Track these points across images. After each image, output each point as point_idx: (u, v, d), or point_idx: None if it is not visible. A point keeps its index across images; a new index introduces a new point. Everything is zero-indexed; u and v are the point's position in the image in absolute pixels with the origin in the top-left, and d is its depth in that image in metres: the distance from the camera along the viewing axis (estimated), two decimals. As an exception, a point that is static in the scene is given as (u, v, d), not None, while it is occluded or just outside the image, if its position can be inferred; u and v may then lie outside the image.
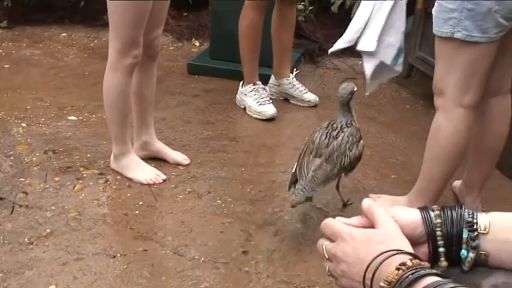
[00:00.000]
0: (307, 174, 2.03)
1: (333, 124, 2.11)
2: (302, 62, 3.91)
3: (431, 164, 2.09)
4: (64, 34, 4.24)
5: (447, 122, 1.99)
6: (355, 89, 2.17)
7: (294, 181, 2.08)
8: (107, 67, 2.27)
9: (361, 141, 2.16)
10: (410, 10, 3.39)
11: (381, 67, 2.30)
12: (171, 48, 4.14)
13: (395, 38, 2.27)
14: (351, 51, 3.97)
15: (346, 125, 2.09)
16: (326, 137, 2.06)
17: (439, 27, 1.89)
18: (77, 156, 2.57)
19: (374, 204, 0.81)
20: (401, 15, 2.27)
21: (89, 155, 2.58)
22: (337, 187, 2.23)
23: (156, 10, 2.25)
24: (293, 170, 2.12)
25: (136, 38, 2.21)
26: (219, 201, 2.31)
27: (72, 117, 2.94)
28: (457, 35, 1.84)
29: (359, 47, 2.29)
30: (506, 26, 1.84)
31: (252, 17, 3.05)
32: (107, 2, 2.17)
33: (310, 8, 4.09)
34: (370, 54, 2.27)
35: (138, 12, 2.16)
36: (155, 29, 2.34)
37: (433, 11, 1.92)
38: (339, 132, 2.08)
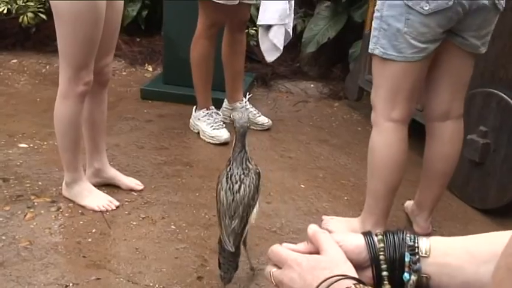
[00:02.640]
0: (230, 243, 1.83)
1: (231, 176, 1.87)
2: (255, 85, 3.96)
3: (372, 180, 2.17)
4: (15, 60, 4.18)
5: (379, 136, 2.11)
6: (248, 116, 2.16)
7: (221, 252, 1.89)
8: (58, 95, 2.26)
9: (259, 186, 1.94)
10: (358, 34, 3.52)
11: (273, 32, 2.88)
12: (124, 73, 4.13)
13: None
14: (303, 75, 4.09)
15: (243, 173, 1.87)
16: (231, 194, 1.86)
17: (370, 45, 2.06)
18: (28, 184, 2.52)
19: (319, 230, 0.83)
20: None
21: (40, 183, 2.54)
22: (244, 243, 1.94)
23: (106, 37, 2.26)
24: (217, 240, 1.93)
25: (87, 65, 2.20)
26: (173, 227, 2.30)
27: (23, 145, 2.89)
28: (376, 52, 2.01)
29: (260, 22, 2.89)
30: (423, 47, 1.95)
31: (204, 46, 3.06)
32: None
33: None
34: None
35: (87, 39, 2.16)
36: (106, 56, 2.34)
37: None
38: (239, 184, 1.87)
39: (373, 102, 2.13)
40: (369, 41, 3.37)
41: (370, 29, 3.31)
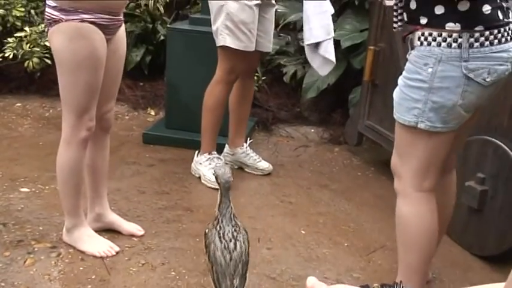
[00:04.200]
0: None
1: (223, 235, 1.84)
2: (256, 130, 4.01)
3: (406, 254, 2.03)
4: (19, 104, 4.24)
5: (408, 206, 1.98)
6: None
7: None
8: (61, 142, 2.29)
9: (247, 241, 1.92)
10: (358, 80, 3.57)
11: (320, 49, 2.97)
12: (127, 117, 4.18)
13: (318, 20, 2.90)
14: (303, 120, 4.13)
15: (235, 230, 1.85)
16: (228, 253, 1.84)
17: (401, 115, 1.88)
18: (29, 229, 2.53)
19: (318, 283, 0.84)
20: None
21: (41, 228, 2.55)
22: None
23: (108, 83, 2.30)
24: None
25: (89, 111, 2.24)
26: (173, 273, 2.30)
27: (25, 189, 2.91)
28: (421, 126, 1.84)
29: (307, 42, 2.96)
30: (465, 116, 1.87)
31: (220, 92, 3.10)
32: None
33: (264, 78, 4.22)
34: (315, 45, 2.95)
35: (88, 86, 2.20)
36: (108, 102, 2.38)
37: (395, 96, 1.91)
38: (234, 242, 1.84)
39: (399, 172, 1.97)
40: (367, 89, 3.47)
41: (369, 78, 3.41)
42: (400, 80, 1.89)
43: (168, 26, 3.97)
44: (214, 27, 3.03)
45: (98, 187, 2.51)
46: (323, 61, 3.01)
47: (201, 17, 3.69)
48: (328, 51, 2.97)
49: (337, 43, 3.92)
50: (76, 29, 2.12)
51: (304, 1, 2.98)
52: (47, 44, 3.86)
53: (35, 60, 4.08)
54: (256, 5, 2.99)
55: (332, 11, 2.98)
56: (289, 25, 4.34)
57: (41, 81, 4.36)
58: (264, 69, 4.30)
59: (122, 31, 2.35)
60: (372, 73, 3.38)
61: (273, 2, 3.17)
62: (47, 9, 2.16)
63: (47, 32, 2.21)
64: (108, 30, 2.22)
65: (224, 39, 2.98)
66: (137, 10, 4.59)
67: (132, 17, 4.56)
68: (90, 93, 2.22)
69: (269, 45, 3.23)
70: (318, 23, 2.91)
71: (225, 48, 3.00)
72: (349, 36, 3.90)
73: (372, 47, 3.36)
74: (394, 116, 1.92)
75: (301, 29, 4.27)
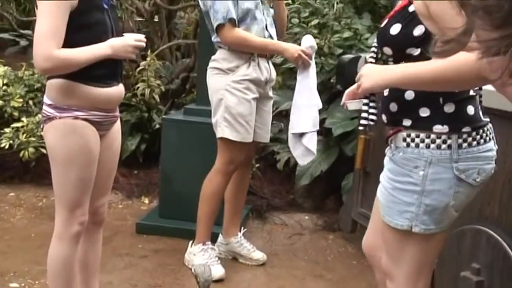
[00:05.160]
0: None
1: None
2: (250, 217, 4.00)
3: None
4: (12, 194, 4.24)
5: None
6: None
7: None
8: (53, 237, 2.27)
9: None
10: (350, 167, 3.61)
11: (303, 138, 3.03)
12: (120, 206, 4.17)
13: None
14: (297, 207, 4.14)
15: None
16: None
17: (393, 218, 1.81)
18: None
19: None
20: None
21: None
22: None
23: (102, 178, 2.31)
24: None
25: (81, 206, 2.24)
26: None
27: (15, 284, 2.86)
28: (415, 229, 1.78)
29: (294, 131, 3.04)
30: (456, 216, 1.84)
31: (219, 183, 3.11)
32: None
33: (257, 165, 4.26)
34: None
35: (81, 181, 2.21)
36: (101, 196, 2.39)
37: (382, 198, 1.86)
38: None
39: (392, 274, 1.90)
40: (359, 176, 3.50)
41: (361, 166, 3.45)
42: (386, 182, 1.84)
43: (163, 116, 4.05)
44: (213, 120, 3.10)
45: (89, 282, 2.47)
46: (305, 151, 3.07)
47: (195, 107, 3.77)
48: (312, 142, 3.04)
49: (329, 131, 4.00)
50: (69, 126, 2.16)
51: (295, 92, 3.07)
52: (41, 127, 3.93)
53: (31, 150, 4.12)
54: (254, 98, 3.07)
55: (320, 106, 3.08)
56: (282, 112, 4.43)
57: (35, 170, 4.39)
58: (258, 156, 4.34)
59: (116, 126, 2.39)
60: (363, 161, 3.42)
61: (271, 95, 3.26)
62: (44, 107, 2.21)
63: (43, 129, 2.25)
64: (101, 127, 2.26)
65: (223, 131, 3.04)
66: (133, 99, 4.69)
67: (128, 107, 4.66)
68: (83, 189, 2.23)
69: (267, 135, 3.30)
70: (307, 115, 3.00)
71: (224, 139, 3.06)
72: (340, 124, 3.98)
73: (362, 136, 3.41)
74: (384, 220, 1.85)
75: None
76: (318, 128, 3.07)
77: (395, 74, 1.73)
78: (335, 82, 4.03)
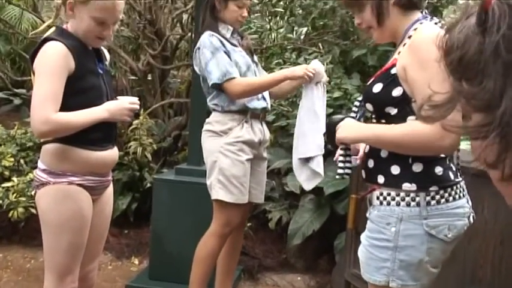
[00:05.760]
0: None
1: None
2: (242, 278, 3.93)
3: None
4: (0, 255, 4.17)
5: None
6: None
7: None
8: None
9: None
10: (342, 226, 3.58)
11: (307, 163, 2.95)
12: (110, 267, 4.10)
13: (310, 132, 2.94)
14: (289, 267, 4.08)
15: None
16: None
17: (371, 275, 1.87)
18: None
19: None
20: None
21: None
22: None
23: (92, 243, 2.29)
24: None
25: (72, 272, 2.21)
26: None
27: None
28: (392, 284, 1.83)
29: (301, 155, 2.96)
30: (434, 272, 1.87)
31: (214, 245, 3.07)
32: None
33: (249, 224, 4.23)
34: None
35: (73, 246, 2.19)
36: (91, 261, 2.36)
37: (361, 256, 1.91)
38: None
39: None
40: (351, 237, 3.47)
41: (353, 226, 3.42)
42: (364, 240, 1.91)
43: (155, 176, 4.04)
44: (208, 182, 3.09)
45: None
46: (311, 175, 3.00)
47: (187, 167, 3.77)
48: (320, 165, 2.98)
49: (320, 189, 4.00)
50: (63, 192, 2.16)
51: (299, 116, 3.04)
52: (33, 193, 3.90)
53: (20, 210, 4.09)
54: (248, 159, 3.07)
55: (324, 130, 3.04)
56: (274, 170, 4.43)
57: (24, 230, 4.33)
58: (249, 214, 4.31)
59: (109, 190, 2.38)
60: (355, 221, 3.38)
61: (265, 155, 3.27)
62: (37, 171, 2.21)
63: (35, 194, 2.24)
64: (95, 191, 2.25)
65: (217, 192, 3.03)
66: (125, 158, 4.69)
67: (119, 165, 4.65)
68: (74, 254, 2.21)
69: (261, 196, 3.28)
70: (313, 139, 2.95)
71: (218, 201, 3.04)
72: (332, 183, 3.98)
73: (353, 195, 3.40)
74: (364, 277, 1.90)
75: (286, 175, 4.37)
76: (323, 151, 3.00)
77: (365, 133, 1.89)
78: (325, 141, 4.06)
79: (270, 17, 5.48)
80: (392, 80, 1.83)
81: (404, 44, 1.84)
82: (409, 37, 1.84)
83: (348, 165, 2.03)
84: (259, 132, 3.12)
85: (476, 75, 0.64)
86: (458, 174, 1.89)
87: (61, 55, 2.06)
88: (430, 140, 1.69)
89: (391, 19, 1.88)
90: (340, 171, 2.04)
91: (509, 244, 2.40)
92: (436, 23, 1.85)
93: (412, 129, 1.75)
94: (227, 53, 2.97)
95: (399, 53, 1.85)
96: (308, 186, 3.14)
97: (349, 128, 1.94)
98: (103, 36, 2.19)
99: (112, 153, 2.29)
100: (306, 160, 3.05)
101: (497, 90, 0.62)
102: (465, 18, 0.68)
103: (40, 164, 2.19)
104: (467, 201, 1.88)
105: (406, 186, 1.82)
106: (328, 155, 4.17)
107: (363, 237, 1.93)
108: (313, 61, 3.07)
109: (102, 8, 2.10)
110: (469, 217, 1.87)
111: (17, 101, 6.94)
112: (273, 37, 5.52)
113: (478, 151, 0.66)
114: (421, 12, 1.92)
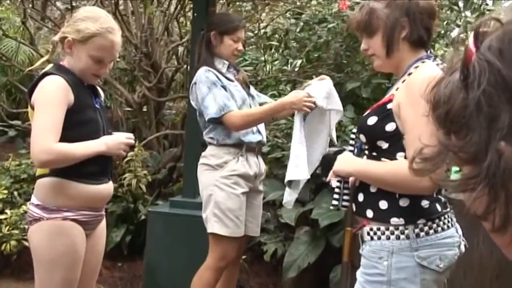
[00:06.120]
0: None
1: None
2: (237, 313, 3.88)
3: None
4: (-8, 289, 4.12)
5: None
6: None
7: None
8: None
9: None
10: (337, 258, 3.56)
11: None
12: (103, 301, 4.06)
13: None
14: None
15: None
16: None
17: None
18: None
19: None
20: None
21: None
22: None
23: (85, 277, 2.28)
24: None
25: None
26: None
27: None
28: None
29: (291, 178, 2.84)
30: None
31: (209, 279, 3.04)
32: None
33: (244, 256, 4.19)
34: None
35: (66, 282, 2.17)
36: (84, 296, 2.34)
37: None
38: None
39: None
40: (347, 270, 3.44)
41: (348, 259, 3.40)
42: (359, 276, 1.93)
43: (149, 209, 4.02)
44: (204, 215, 3.08)
45: None
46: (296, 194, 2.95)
47: (181, 199, 3.76)
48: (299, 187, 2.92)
49: (315, 222, 3.99)
50: (57, 227, 2.15)
51: (295, 138, 2.93)
52: (26, 226, 3.87)
53: (13, 243, 4.05)
54: (243, 192, 3.06)
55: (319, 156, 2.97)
56: (269, 202, 4.42)
57: (17, 263, 4.28)
58: (244, 247, 4.29)
59: (102, 224, 2.37)
60: (350, 254, 3.37)
61: (260, 188, 3.26)
62: (30, 207, 2.20)
63: (27, 230, 2.23)
64: (88, 226, 2.24)
65: (212, 226, 3.01)
66: (120, 190, 4.67)
67: (114, 197, 4.62)
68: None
69: (257, 229, 3.27)
70: (306, 160, 2.88)
71: (214, 235, 3.03)
72: (327, 215, 3.97)
73: (349, 228, 3.39)
74: None
75: (281, 206, 4.35)
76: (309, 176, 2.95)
77: (356, 168, 1.93)
78: (320, 174, 4.06)
79: (264, 50, 5.54)
80: (387, 115, 1.86)
81: (404, 81, 1.86)
82: (409, 74, 1.86)
83: (344, 197, 2.04)
84: (255, 165, 3.13)
85: (461, 128, 0.65)
86: (447, 205, 1.91)
87: (61, 88, 2.08)
88: (411, 180, 1.69)
89: (400, 52, 1.90)
90: (334, 202, 2.06)
91: (505, 278, 2.39)
92: (438, 64, 1.88)
93: (396, 167, 1.79)
94: (224, 87, 3.00)
95: (397, 89, 1.87)
96: (289, 206, 3.07)
97: (344, 161, 1.98)
98: (100, 74, 2.22)
99: (108, 187, 2.29)
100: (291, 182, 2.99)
101: (483, 143, 0.63)
102: (450, 73, 0.69)
103: (34, 199, 2.18)
104: (456, 231, 1.89)
105: (394, 220, 1.84)
106: (323, 185, 4.18)
107: (358, 274, 1.95)
108: (307, 88, 2.94)
109: (100, 47, 2.13)
110: (459, 246, 1.88)
111: (11, 133, 6.93)
112: (267, 69, 5.58)
113: (468, 203, 0.67)
114: (426, 51, 1.94)
